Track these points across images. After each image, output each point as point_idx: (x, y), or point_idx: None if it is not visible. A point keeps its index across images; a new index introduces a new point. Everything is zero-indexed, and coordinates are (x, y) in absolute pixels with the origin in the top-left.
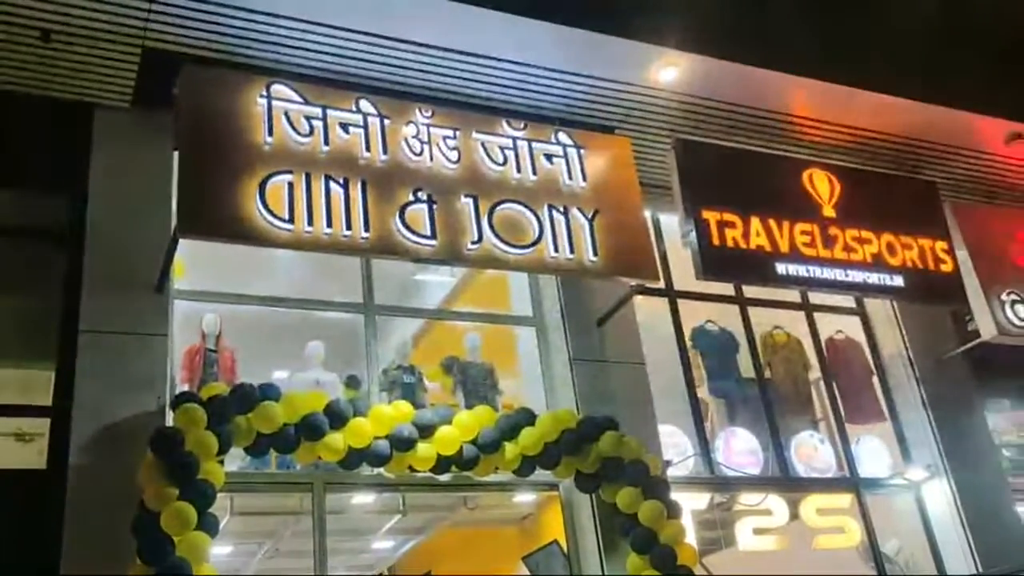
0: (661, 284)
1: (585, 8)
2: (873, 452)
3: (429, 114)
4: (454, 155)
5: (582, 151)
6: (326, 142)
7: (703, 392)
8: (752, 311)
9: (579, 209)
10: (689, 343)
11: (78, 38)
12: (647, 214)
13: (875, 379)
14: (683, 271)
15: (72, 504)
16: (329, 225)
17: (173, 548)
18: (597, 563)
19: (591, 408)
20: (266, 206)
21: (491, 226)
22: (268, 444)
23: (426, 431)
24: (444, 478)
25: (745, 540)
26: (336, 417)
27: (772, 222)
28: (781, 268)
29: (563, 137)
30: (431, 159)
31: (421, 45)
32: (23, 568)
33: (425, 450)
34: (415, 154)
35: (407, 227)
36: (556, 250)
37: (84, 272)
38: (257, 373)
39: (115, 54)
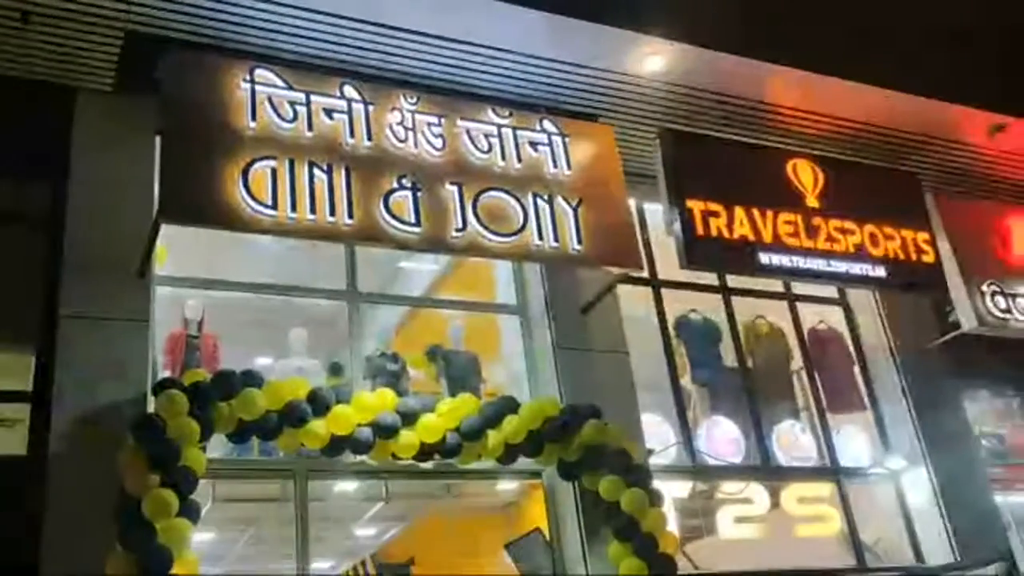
0: (645, 273)
1: None
2: (854, 441)
3: (414, 100)
4: (439, 142)
5: (567, 139)
6: (310, 128)
7: (686, 381)
8: (735, 301)
9: (564, 197)
10: (672, 332)
11: (59, 20)
12: (631, 203)
13: (856, 369)
14: (667, 260)
15: (53, 490)
16: (312, 211)
17: (155, 534)
18: (579, 551)
19: (574, 397)
20: (249, 192)
21: (476, 214)
22: (250, 431)
23: (409, 419)
24: (427, 466)
25: (726, 528)
26: (319, 404)
27: (756, 212)
28: (764, 258)
29: (548, 125)
30: (416, 146)
31: (406, 31)
32: (3, 554)
33: (408, 438)
34: (400, 140)
35: (391, 214)
36: (540, 238)
37: (65, 257)
38: (240, 360)
39: (97, 37)
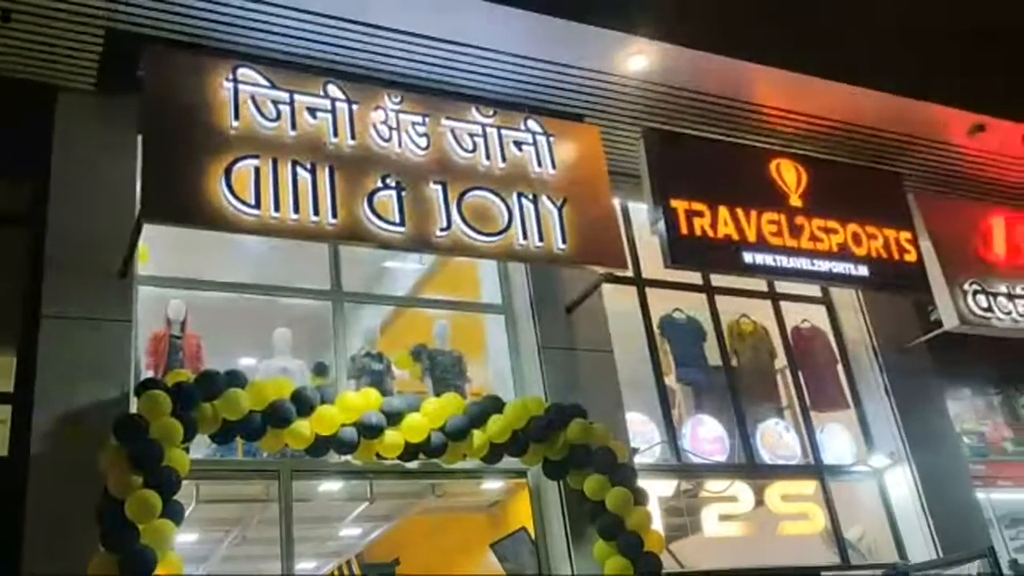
0: (629, 272)
1: None
2: (837, 439)
3: (398, 100)
4: (423, 141)
5: (551, 139)
6: (293, 127)
7: (671, 380)
8: (719, 300)
9: (548, 197)
10: (657, 331)
11: (40, 19)
12: (616, 202)
13: (840, 367)
14: (651, 259)
15: (34, 491)
16: (296, 211)
17: (138, 535)
18: (565, 550)
19: (559, 396)
20: (232, 191)
21: (460, 213)
22: (234, 431)
23: (394, 418)
24: (412, 465)
25: (711, 526)
26: (303, 404)
27: (740, 211)
28: (748, 257)
29: (533, 124)
30: (400, 145)
31: (390, 30)
32: None
33: (393, 437)
34: (384, 140)
35: (375, 213)
36: (525, 238)
37: (46, 256)
38: (223, 360)
39: (78, 36)
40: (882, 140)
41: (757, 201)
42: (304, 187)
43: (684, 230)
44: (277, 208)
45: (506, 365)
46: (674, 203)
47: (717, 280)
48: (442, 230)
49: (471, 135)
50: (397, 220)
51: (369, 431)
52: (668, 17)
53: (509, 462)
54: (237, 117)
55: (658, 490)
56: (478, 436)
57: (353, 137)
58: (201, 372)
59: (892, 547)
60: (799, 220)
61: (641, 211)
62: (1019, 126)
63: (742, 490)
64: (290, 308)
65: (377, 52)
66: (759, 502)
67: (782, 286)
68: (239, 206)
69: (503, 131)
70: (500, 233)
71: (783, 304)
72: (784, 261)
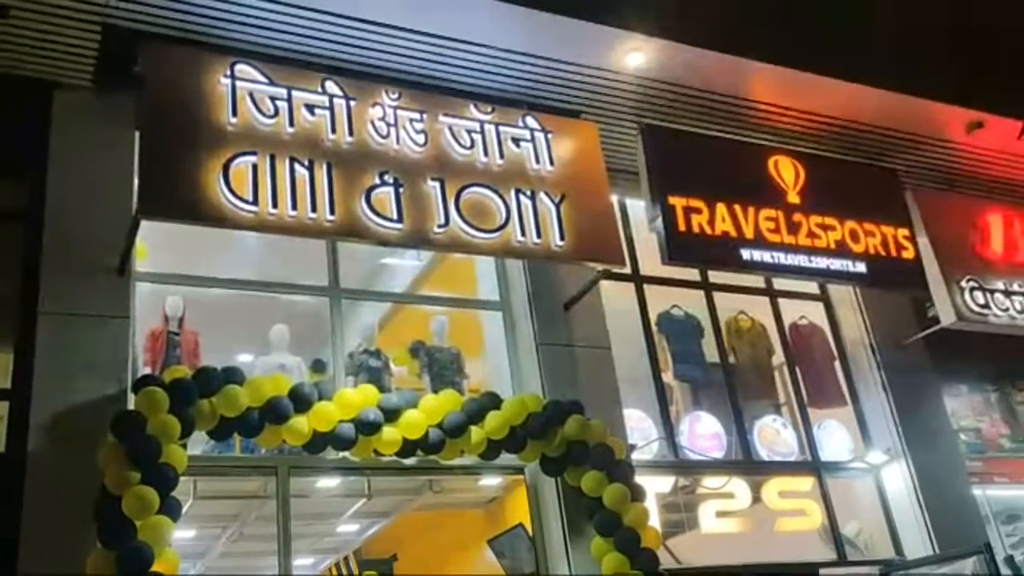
0: (627, 269)
1: None
2: (834, 436)
3: (396, 96)
4: (421, 138)
5: (549, 135)
6: (291, 123)
7: (668, 377)
8: (717, 296)
9: (546, 194)
10: (655, 328)
11: (37, 14)
12: (614, 199)
13: (837, 364)
14: (649, 256)
15: (32, 488)
16: (294, 207)
17: (135, 532)
18: (562, 546)
19: (557, 392)
20: (230, 188)
21: (458, 210)
22: (232, 428)
23: (392, 415)
24: (410, 462)
25: (708, 522)
26: (301, 401)
27: (738, 208)
28: (746, 254)
29: (531, 121)
30: (398, 142)
31: (388, 26)
32: None
33: (391, 434)
34: (381, 136)
35: (373, 210)
36: (523, 234)
37: (43, 253)
38: (221, 356)
39: (75, 31)
40: (880, 137)
41: (755, 198)
42: (302, 184)
43: (682, 227)
44: (275, 205)
45: (504, 362)
46: (672, 200)
47: (715, 277)
48: (440, 227)
49: (469, 132)
50: (395, 217)
51: (367, 428)
52: (666, 13)
53: (507, 458)
54: (235, 114)
55: (655, 486)
56: (476, 432)
57: (351, 134)
58: (199, 369)
59: (889, 543)
60: (797, 217)
61: (639, 208)
62: (1017, 123)
63: (739, 486)
64: (288, 305)
65: (375, 49)
66: (756, 498)
67: (780, 283)
68: (237, 203)
69: (501, 128)
70: (498, 230)
71: (781, 301)
72: (782, 258)
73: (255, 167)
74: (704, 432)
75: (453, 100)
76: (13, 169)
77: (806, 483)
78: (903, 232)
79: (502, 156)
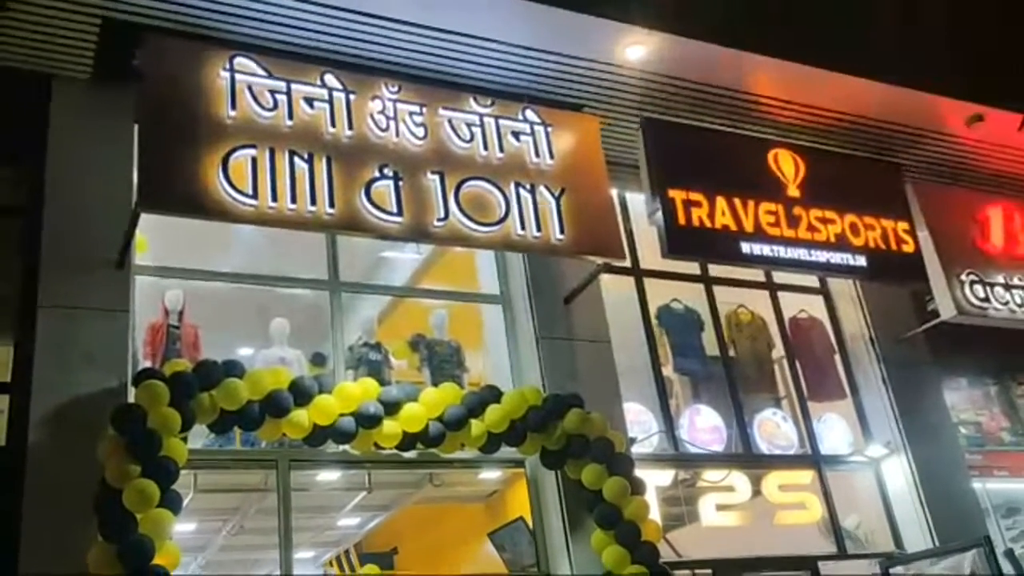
0: (627, 263)
1: None
2: (834, 429)
3: (396, 89)
4: (421, 131)
5: (549, 129)
6: (290, 116)
7: (668, 370)
8: (717, 290)
9: (546, 187)
10: (655, 321)
11: (35, 7)
12: (614, 193)
13: (837, 358)
14: (649, 250)
15: (32, 481)
16: (293, 201)
17: (136, 525)
18: (562, 539)
19: (557, 386)
20: (229, 181)
21: (458, 203)
22: (232, 421)
23: (392, 408)
24: (410, 455)
25: (708, 516)
26: (301, 394)
27: (737, 202)
28: (746, 247)
29: (531, 115)
30: (397, 135)
31: (388, 19)
32: None
33: (391, 427)
34: (381, 130)
35: (373, 203)
36: (523, 228)
37: (43, 246)
38: (221, 350)
39: (74, 24)
40: (880, 130)
41: (755, 191)
42: (301, 177)
43: (682, 220)
44: (274, 198)
45: (504, 355)
46: (672, 193)
47: (715, 270)
48: (439, 220)
49: (469, 125)
50: (394, 210)
51: (367, 421)
52: (667, 7)
53: (507, 452)
54: (234, 107)
55: (656, 480)
56: (476, 426)
57: (350, 127)
58: (199, 362)
59: (889, 536)
60: (797, 210)
61: (639, 201)
62: (1017, 116)
63: (739, 480)
64: (288, 298)
65: (374, 42)
66: (756, 492)
67: (780, 276)
68: (236, 196)
69: (501, 121)
70: (498, 223)
71: (781, 295)
72: (782, 251)
73: (254, 160)
74: (704, 425)
75: (453, 93)
76: (12, 162)
77: (806, 476)
78: (903, 226)
79: (502, 149)
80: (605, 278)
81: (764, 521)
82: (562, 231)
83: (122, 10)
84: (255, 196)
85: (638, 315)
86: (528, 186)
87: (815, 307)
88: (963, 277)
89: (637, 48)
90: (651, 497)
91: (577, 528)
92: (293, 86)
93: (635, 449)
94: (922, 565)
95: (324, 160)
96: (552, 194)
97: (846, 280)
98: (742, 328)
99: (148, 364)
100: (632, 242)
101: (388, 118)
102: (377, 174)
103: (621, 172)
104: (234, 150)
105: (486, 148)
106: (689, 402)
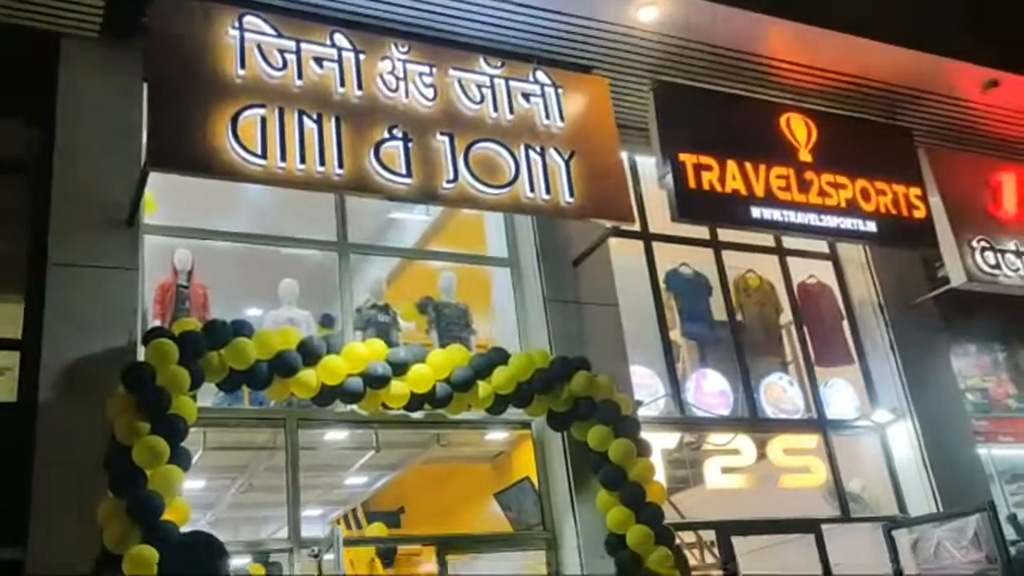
0: (636, 226)
1: None
2: (841, 394)
3: (405, 50)
4: (430, 92)
5: (560, 90)
6: (300, 76)
7: (675, 334)
8: (726, 255)
9: (556, 149)
10: (663, 286)
11: None
12: (624, 156)
13: (845, 323)
14: (659, 214)
15: (43, 437)
16: (303, 161)
17: (145, 481)
18: (568, 500)
19: (564, 348)
20: (238, 140)
21: (467, 165)
22: (241, 380)
23: (400, 369)
24: (417, 416)
25: (713, 478)
26: (309, 354)
27: (748, 166)
28: (756, 212)
29: (541, 76)
30: (407, 96)
31: None
32: None
33: (398, 388)
34: (390, 90)
35: (382, 164)
36: (532, 190)
37: (52, 205)
38: (230, 310)
39: None
40: (894, 95)
41: (766, 155)
42: (310, 137)
43: (692, 184)
44: (283, 158)
45: (512, 318)
46: (682, 157)
47: (724, 235)
48: (448, 182)
49: (479, 86)
50: (403, 171)
51: (375, 381)
52: None
53: (513, 413)
54: (243, 66)
55: (661, 442)
56: (483, 387)
57: (360, 87)
58: (208, 321)
59: (893, 501)
60: (808, 175)
61: (649, 164)
62: None
63: (744, 443)
64: (296, 260)
65: (384, 1)
66: (761, 455)
67: (789, 242)
68: (245, 155)
69: (511, 82)
70: (507, 185)
71: (790, 260)
72: (792, 216)
73: (263, 120)
74: (710, 389)
75: (463, 54)
76: (21, 120)
77: (811, 441)
78: (915, 191)
79: (512, 111)
80: (614, 242)
81: (768, 484)
82: (571, 194)
83: None
84: (264, 156)
85: (646, 279)
86: (538, 148)
87: (824, 273)
88: (974, 243)
89: (649, 9)
90: (656, 459)
91: (582, 489)
92: (302, 45)
93: (641, 412)
94: (925, 528)
95: (333, 120)
96: (562, 156)
97: (856, 246)
98: (750, 293)
99: (157, 323)
100: (641, 206)
101: (398, 79)
102: (386, 135)
103: (631, 135)
104: (243, 109)
105: (496, 110)
106: (696, 366)
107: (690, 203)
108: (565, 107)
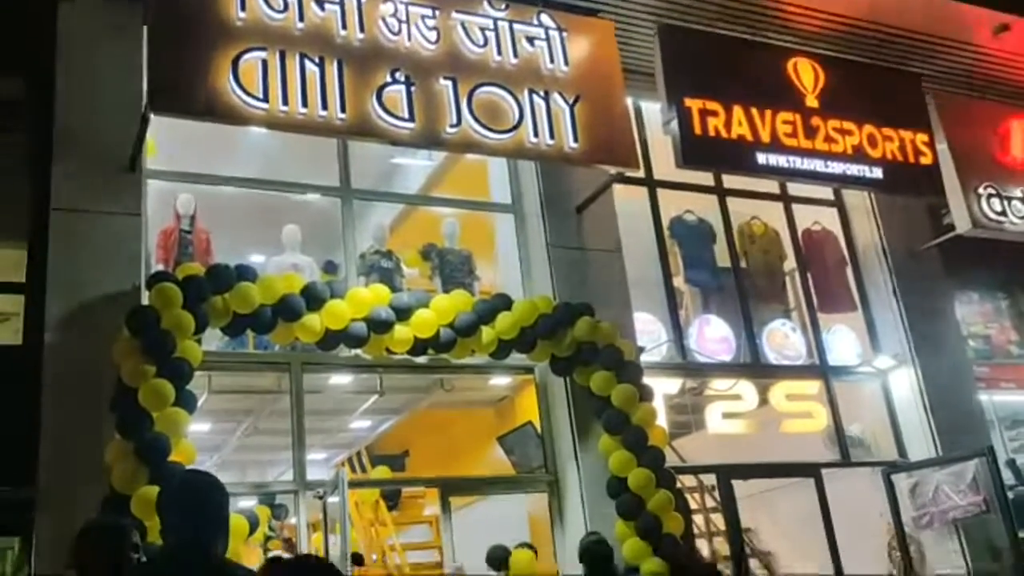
0: (641, 173)
1: None
2: (843, 341)
3: None
4: (433, 35)
5: (565, 34)
6: (301, 19)
7: (679, 281)
8: (731, 201)
9: (560, 94)
10: (667, 232)
11: None
12: (629, 101)
13: (849, 270)
14: (663, 160)
15: (49, 381)
16: (304, 105)
17: (151, 423)
18: (570, 444)
19: (568, 294)
20: (239, 84)
21: (470, 110)
22: (245, 324)
23: (403, 314)
24: (421, 360)
25: (715, 423)
26: (313, 299)
27: (755, 111)
28: (762, 158)
29: (546, 19)
30: (409, 39)
31: None
32: (2, 439)
33: (402, 332)
34: (393, 34)
35: (384, 108)
36: (536, 135)
37: (55, 150)
38: (233, 256)
39: None
40: (903, 39)
41: (773, 101)
42: (312, 81)
43: (697, 130)
44: (285, 102)
45: (515, 264)
46: (688, 102)
47: (729, 182)
48: (452, 126)
49: (482, 29)
50: (406, 116)
51: (379, 326)
52: None
53: (517, 358)
54: (244, 8)
55: (664, 388)
56: (487, 332)
57: (362, 30)
58: (211, 266)
59: (893, 446)
60: (815, 121)
61: (654, 110)
62: None
63: (746, 389)
64: (300, 205)
65: None
66: (763, 401)
67: (794, 188)
68: (247, 99)
69: (515, 25)
70: (510, 130)
71: (794, 207)
72: (798, 162)
73: (265, 63)
74: (713, 335)
75: None
76: (21, 65)
77: (813, 386)
78: (922, 137)
79: (516, 55)
80: (618, 188)
81: (770, 429)
82: (576, 139)
83: None
84: (266, 99)
85: (650, 225)
86: (542, 93)
87: (829, 219)
88: (980, 190)
89: None
90: (659, 405)
91: (585, 433)
92: None
93: (644, 358)
94: (924, 472)
95: (335, 64)
96: (566, 101)
97: (861, 192)
98: (755, 240)
99: (161, 268)
100: (646, 151)
101: (400, 21)
102: (389, 79)
103: (637, 80)
104: (244, 52)
105: (500, 53)
106: (699, 312)
107: (695, 149)
108: (570, 51)
